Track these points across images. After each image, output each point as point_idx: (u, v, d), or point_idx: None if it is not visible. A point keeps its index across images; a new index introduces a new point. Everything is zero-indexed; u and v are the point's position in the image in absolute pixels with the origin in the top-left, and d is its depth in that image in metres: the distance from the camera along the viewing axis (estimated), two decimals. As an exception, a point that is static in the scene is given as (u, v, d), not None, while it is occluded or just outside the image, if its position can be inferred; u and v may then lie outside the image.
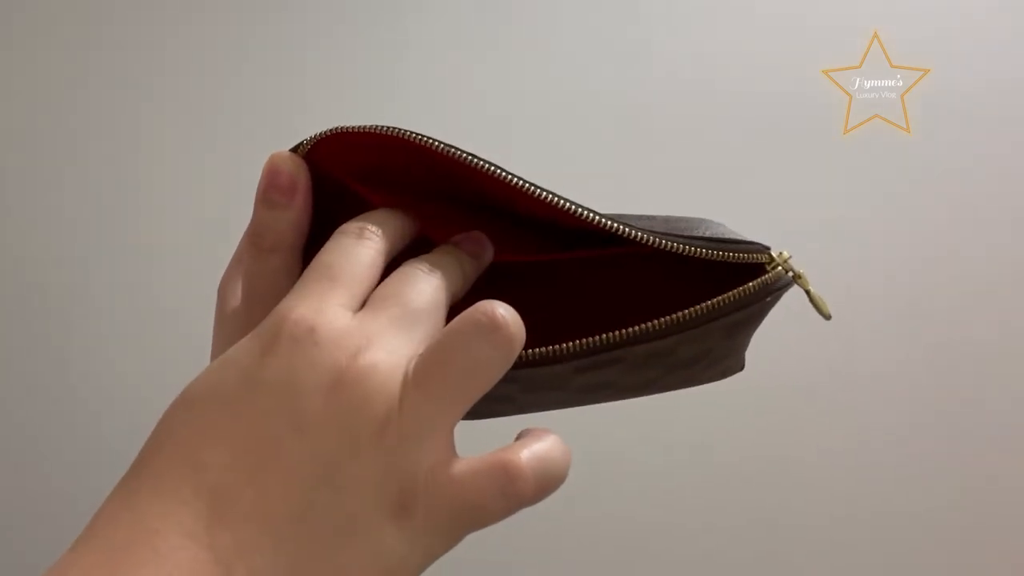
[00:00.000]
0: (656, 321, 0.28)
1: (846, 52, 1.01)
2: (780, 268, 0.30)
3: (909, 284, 1.00)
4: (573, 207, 0.28)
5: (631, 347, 0.28)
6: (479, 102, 1.02)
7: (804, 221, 0.99)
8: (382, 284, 0.26)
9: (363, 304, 0.26)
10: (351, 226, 0.28)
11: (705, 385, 0.34)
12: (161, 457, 0.23)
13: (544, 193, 0.28)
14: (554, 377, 0.29)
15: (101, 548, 0.21)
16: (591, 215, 0.28)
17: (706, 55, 1.02)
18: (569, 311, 0.35)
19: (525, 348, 0.26)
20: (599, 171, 0.99)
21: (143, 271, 1.02)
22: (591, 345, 0.28)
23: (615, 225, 0.28)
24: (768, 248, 0.31)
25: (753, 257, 0.30)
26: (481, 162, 0.28)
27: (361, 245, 0.27)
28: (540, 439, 0.25)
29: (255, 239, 0.29)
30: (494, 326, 0.24)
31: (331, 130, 0.28)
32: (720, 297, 0.29)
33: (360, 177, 0.31)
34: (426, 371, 0.23)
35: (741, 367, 0.35)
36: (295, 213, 0.29)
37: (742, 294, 0.29)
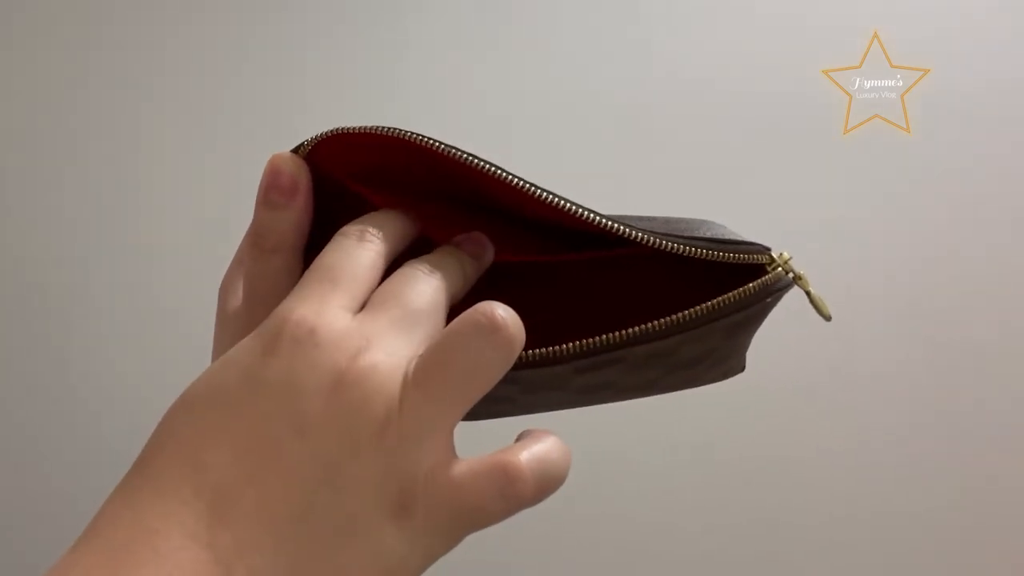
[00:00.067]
0: (656, 322, 0.28)
1: (846, 52, 1.01)
2: (780, 269, 0.30)
3: (909, 284, 1.00)
4: (573, 207, 0.28)
5: (631, 348, 0.28)
6: (479, 102, 1.02)
7: (804, 221, 0.99)
8: (382, 285, 0.26)
9: (364, 305, 0.26)
10: (352, 228, 0.28)
11: (705, 386, 0.34)
12: (162, 457, 0.23)
13: (544, 194, 0.28)
14: (554, 378, 0.29)
15: (102, 548, 0.21)
16: (591, 216, 0.28)
17: (706, 55, 1.02)
18: (571, 312, 0.35)
19: (525, 349, 0.26)
20: (599, 171, 0.99)
21: (143, 271, 1.02)
22: (591, 346, 0.28)
23: (615, 225, 0.28)
24: (769, 249, 0.31)
25: (754, 258, 0.30)
26: (482, 163, 0.28)
27: (362, 247, 0.27)
28: (540, 440, 0.25)
29: (256, 240, 0.29)
30: (494, 327, 0.24)
31: (332, 131, 0.28)
32: (720, 298, 0.29)
33: (361, 178, 0.31)
34: (426, 372, 0.24)
35: (742, 368, 0.35)
36: (296, 214, 0.29)
37: (742, 295, 0.29)
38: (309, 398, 0.23)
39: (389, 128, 0.28)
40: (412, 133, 0.28)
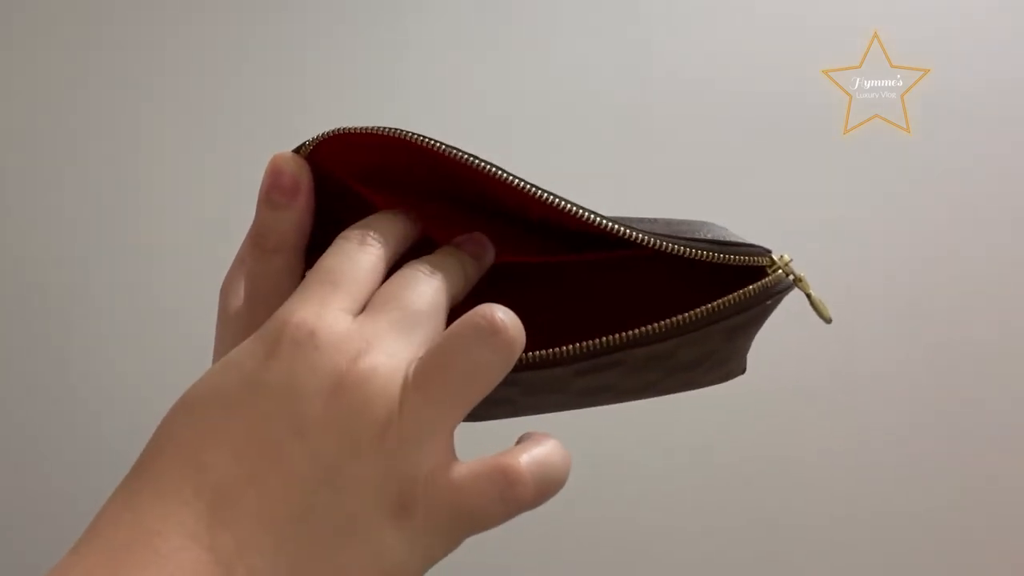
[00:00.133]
0: (656, 324, 0.28)
1: (846, 52, 1.01)
2: (781, 271, 0.30)
3: (909, 284, 1.00)
4: (574, 208, 0.28)
5: (631, 350, 0.28)
6: (479, 102, 1.02)
7: (804, 221, 0.99)
8: (382, 287, 0.27)
9: (365, 307, 0.26)
10: (353, 232, 0.28)
11: (705, 388, 0.34)
12: (163, 458, 0.23)
13: (545, 195, 0.28)
14: (554, 380, 0.29)
15: (103, 549, 0.21)
16: (592, 217, 0.28)
17: (706, 55, 1.02)
18: (572, 313, 0.35)
19: (526, 351, 0.26)
20: (599, 171, 0.99)
21: (143, 271, 1.02)
22: (591, 348, 0.28)
23: (615, 227, 0.28)
24: (769, 251, 0.31)
25: (754, 260, 0.30)
26: (483, 164, 0.28)
27: (363, 251, 0.27)
28: (540, 443, 0.25)
29: (258, 240, 0.29)
30: (493, 330, 0.24)
31: (333, 131, 0.28)
32: (720, 300, 0.29)
33: (362, 178, 0.31)
34: (426, 374, 0.24)
35: (742, 370, 0.35)
36: (298, 214, 0.29)
37: (742, 297, 0.29)
38: (309, 400, 0.23)
39: (390, 128, 0.28)
40: (413, 133, 0.28)
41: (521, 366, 0.27)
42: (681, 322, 0.28)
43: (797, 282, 0.31)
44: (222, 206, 0.93)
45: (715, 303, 0.29)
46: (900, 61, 1.00)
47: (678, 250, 0.29)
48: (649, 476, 1.00)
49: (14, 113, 1.03)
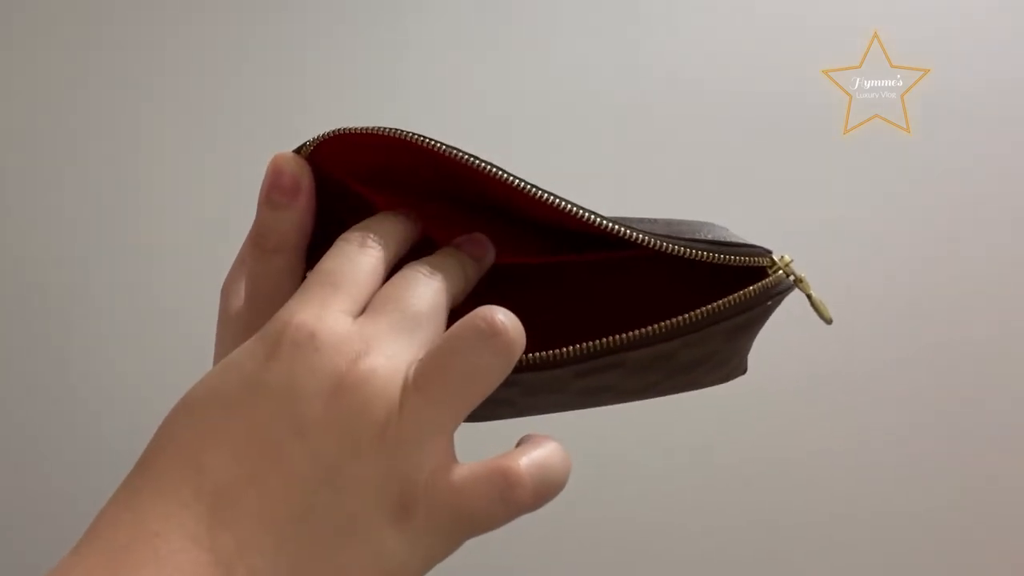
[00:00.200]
0: (656, 325, 0.28)
1: (846, 52, 1.01)
2: (781, 272, 0.30)
3: (909, 284, 1.00)
4: (574, 209, 0.28)
5: (631, 351, 0.28)
6: (479, 102, 1.02)
7: (804, 221, 0.99)
8: (382, 288, 0.27)
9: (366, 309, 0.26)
10: (353, 234, 0.28)
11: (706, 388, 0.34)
12: (163, 459, 0.23)
13: (545, 195, 0.28)
14: (554, 381, 0.29)
15: (103, 549, 0.21)
16: (592, 217, 0.28)
17: (706, 55, 1.02)
18: (572, 314, 0.35)
19: (526, 352, 0.26)
20: (599, 171, 0.99)
21: (143, 271, 1.02)
22: (591, 349, 0.28)
23: (615, 227, 0.28)
24: (770, 252, 0.31)
25: (755, 261, 0.30)
26: (483, 164, 0.28)
27: (363, 253, 0.27)
28: (540, 446, 0.25)
29: (258, 240, 0.29)
30: (493, 332, 0.24)
31: (334, 131, 0.28)
32: (720, 301, 0.29)
33: (363, 178, 0.31)
34: (426, 376, 0.24)
35: (743, 371, 0.35)
36: (298, 214, 0.29)
37: (742, 298, 0.29)
38: (309, 401, 0.23)
39: (391, 128, 0.28)
40: (413, 134, 0.28)
41: (521, 367, 0.27)
42: (681, 323, 0.28)
43: (798, 283, 0.31)
44: (222, 206, 0.93)
45: (716, 304, 0.29)
46: (900, 61, 1.00)
47: (678, 251, 0.29)
48: (650, 476, 1.00)
49: (14, 113, 1.03)
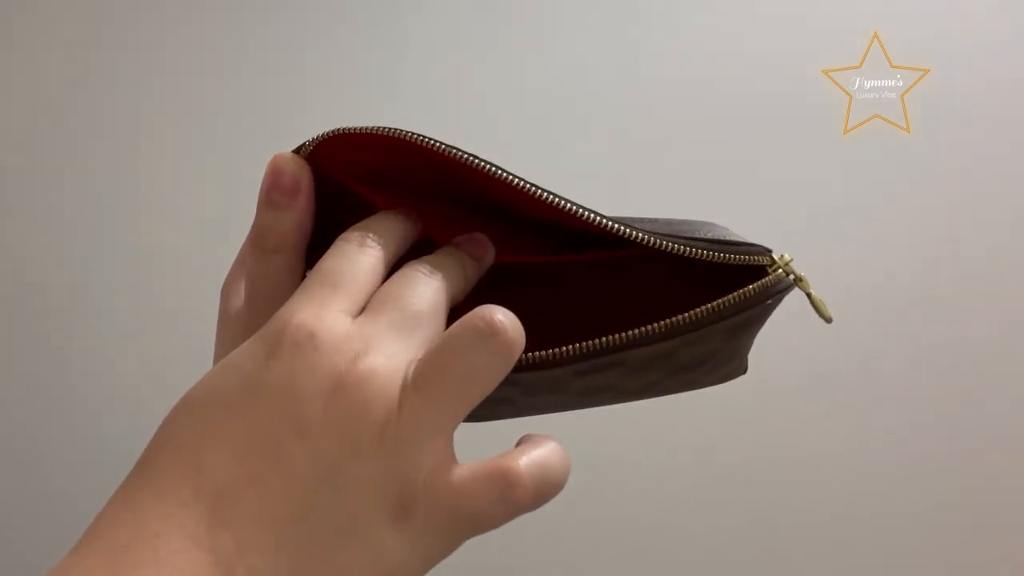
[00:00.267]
0: (656, 324, 0.28)
1: (846, 52, 1.01)
2: (781, 271, 0.30)
3: (909, 284, 1.00)
4: (574, 208, 0.28)
5: (631, 350, 0.28)
6: (479, 102, 1.02)
7: (804, 221, 0.99)
8: (382, 287, 0.27)
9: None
10: (353, 233, 0.28)
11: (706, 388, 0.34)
12: (163, 459, 0.23)
13: (545, 194, 0.28)
14: (554, 380, 0.29)
15: (103, 550, 0.21)
16: (592, 216, 0.28)
17: (706, 55, 1.02)
18: (572, 313, 0.35)
19: (526, 351, 0.26)
20: (599, 171, 0.99)
21: (143, 271, 1.02)
22: (591, 348, 0.28)
23: (615, 226, 0.28)
24: (770, 251, 0.31)
25: (755, 259, 0.30)
26: (483, 163, 0.28)
27: (363, 252, 0.27)
28: (540, 445, 0.25)
29: (258, 240, 0.29)
30: (492, 331, 0.24)
31: (333, 131, 0.28)
32: (720, 300, 0.29)
33: (362, 178, 0.31)
34: (425, 376, 0.24)
35: (744, 370, 0.35)
36: (298, 214, 0.29)
37: (741, 297, 0.29)
38: (309, 401, 0.23)
39: (390, 128, 0.28)
40: (413, 133, 0.28)
41: (521, 367, 0.27)
42: (681, 322, 0.28)
43: (797, 281, 0.31)
44: (222, 206, 0.93)
45: (715, 303, 0.29)
46: (900, 61, 1.00)
47: (678, 249, 0.29)
48: (650, 475, 1.00)
49: (14, 113, 1.03)
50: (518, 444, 0.25)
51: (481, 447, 0.26)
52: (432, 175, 0.30)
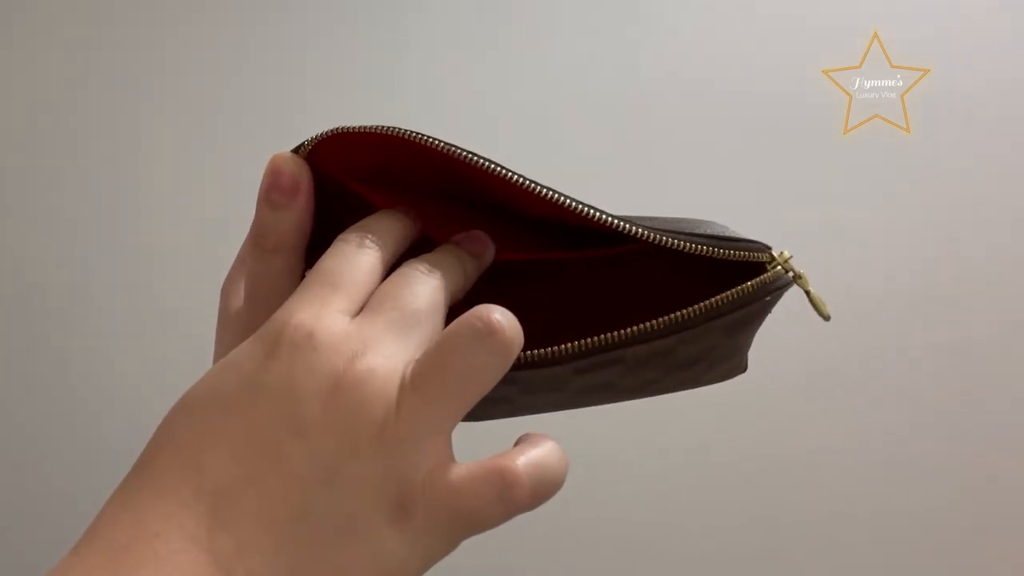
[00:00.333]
0: (654, 321, 0.28)
1: (846, 52, 1.01)
2: (780, 268, 0.30)
3: (909, 284, 1.00)
4: (573, 203, 0.28)
5: (630, 347, 0.28)
6: (479, 102, 1.02)
7: (804, 221, 0.99)
8: (380, 287, 0.27)
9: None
10: (352, 233, 0.28)
11: (705, 387, 0.34)
12: (163, 459, 0.23)
13: (544, 190, 0.28)
14: (553, 378, 0.29)
15: (102, 550, 0.21)
16: (590, 211, 0.28)
17: (706, 55, 1.02)
18: (574, 311, 0.35)
19: (525, 349, 0.26)
20: (599, 171, 0.99)
21: (143, 271, 1.02)
22: (589, 346, 0.28)
23: (614, 221, 0.28)
24: (769, 248, 0.31)
25: (754, 256, 0.30)
26: (482, 160, 0.28)
27: (361, 252, 0.27)
28: (537, 445, 0.25)
29: (258, 240, 0.29)
30: (490, 331, 0.24)
31: (332, 130, 0.28)
32: (718, 296, 0.29)
33: (361, 177, 0.31)
34: (423, 376, 0.24)
35: (743, 369, 0.35)
36: (297, 214, 0.29)
37: (740, 293, 0.29)
38: (307, 402, 0.23)
39: (389, 127, 0.28)
40: (412, 132, 0.28)
41: (520, 365, 0.27)
42: (680, 318, 0.28)
43: (796, 279, 0.31)
44: (222, 206, 0.93)
45: (713, 299, 0.29)
46: (900, 61, 1.00)
47: (678, 244, 0.29)
48: (648, 475, 1.00)
49: (14, 113, 1.03)
50: (516, 444, 0.25)
51: (479, 447, 0.26)
52: (431, 174, 0.30)
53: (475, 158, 0.28)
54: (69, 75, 1.03)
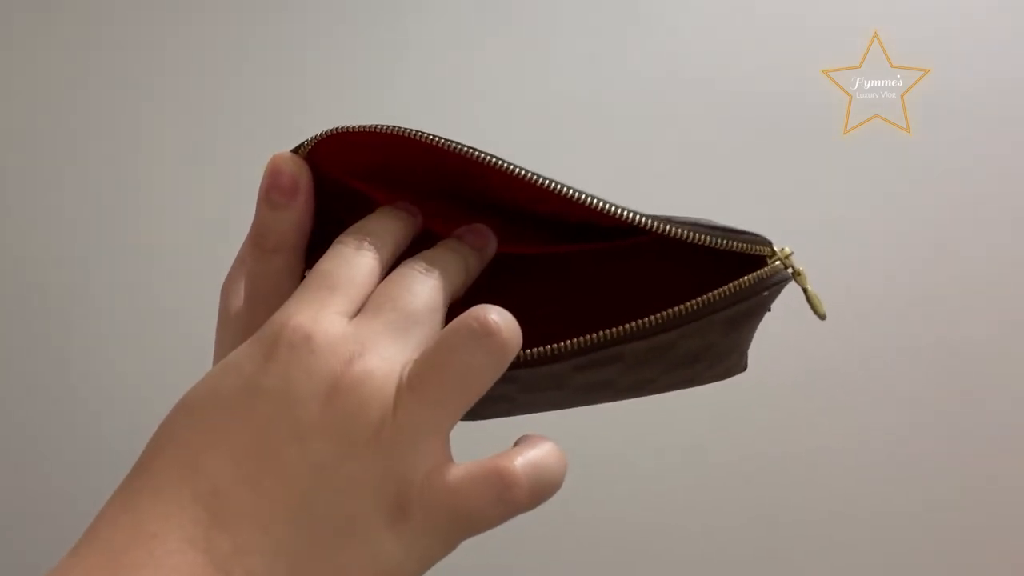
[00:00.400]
0: (652, 317, 0.28)
1: (846, 52, 1.01)
2: (779, 263, 0.30)
3: (909, 284, 1.00)
4: (574, 193, 0.28)
5: (628, 344, 0.28)
6: (479, 102, 1.02)
7: (804, 221, 0.99)
8: (379, 287, 0.27)
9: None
10: (351, 234, 0.28)
11: (705, 385, 0.34)
12: (162, 460, 0.23)
13: (549, 182, 0.28)
14: (553, 376, 0.29)
15: (101, 550, 0.21)
16: (593, 200, 0.28)
17: (706, 55, 1.02)
18: (577, 306, 0.35)
19: (526, 346, 0.26)
20: (599, 171, 0.99)
21: (143, 271, 1.02)
22: (588, 343, 0.28)
23: (617, 209, 0.28)
24: (770, 242, 0.31)
25: (755, 248, 0.30)
26: (483, 155, 0.28)
27: (360, 254, 0.27)
28: (536, 446, 0.25)
29: (258, 240, 0.29)
30: (487, 331, 0.24)
31: (332, 130, 0.28)
32: (715, 291, 0.29)
33: (361, 177, 0.31)
34: (420, 377, 0.24)
35: (743, 367, 0.35)
36: (297, 214, 0.29)
37: (737, 288, 0.29)
38: (306, 404, 0.23)
39: (388, 126, 0.28)
40: (411, 130, 0.28)
41: (519, 363, 0.27)
42: (678, 313, 0.28)
43: (796, 275, 0.31)
44: (222, 206, 0.93)
45: (710, 294, 0.29)
46: (900, 61, 1.00)
47: (680, 233, 0.29)
48: (647, 474, 1.00)
49: (14, 113, 1.03)
50: (515, 445, 0.25)
51: (478, 447, 0.26)
52: (431, 172, 0.30)
53: (477, 153, 0.28)
54: (69, 75, 1.04)
